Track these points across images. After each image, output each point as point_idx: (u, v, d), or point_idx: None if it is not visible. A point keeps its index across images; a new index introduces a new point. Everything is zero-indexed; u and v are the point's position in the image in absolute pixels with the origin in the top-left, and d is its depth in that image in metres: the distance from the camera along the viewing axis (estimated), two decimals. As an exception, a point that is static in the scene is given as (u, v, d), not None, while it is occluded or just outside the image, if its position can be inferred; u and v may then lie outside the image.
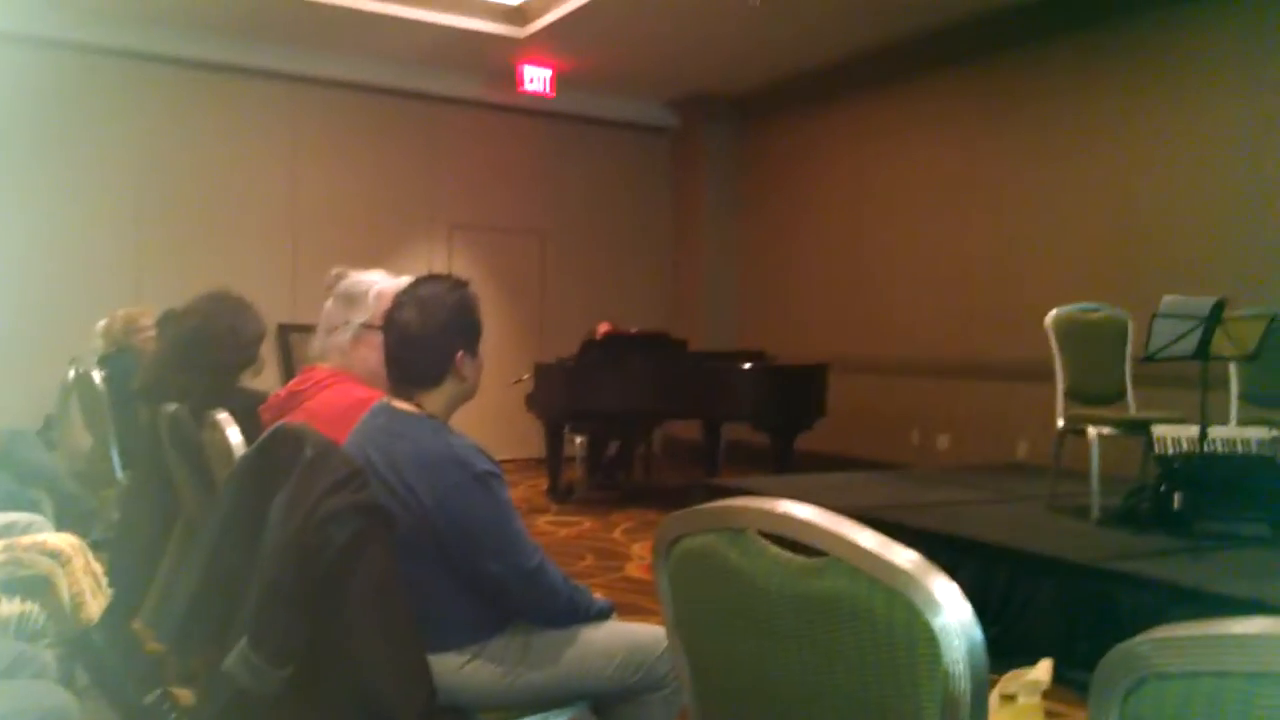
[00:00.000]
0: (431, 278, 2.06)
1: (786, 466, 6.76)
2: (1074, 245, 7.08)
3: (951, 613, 0.89)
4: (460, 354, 2.00)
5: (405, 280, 2.20)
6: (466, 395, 2.07)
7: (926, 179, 8.24)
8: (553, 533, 6.22)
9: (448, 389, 2.02)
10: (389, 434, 1.97)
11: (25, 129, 7.61)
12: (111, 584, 2.98)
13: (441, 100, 9.26)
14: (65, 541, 2.97)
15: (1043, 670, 1.73)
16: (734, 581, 1.09)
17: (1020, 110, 7.46)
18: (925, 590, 0.90)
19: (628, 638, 2.08)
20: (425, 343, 1.98)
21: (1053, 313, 4.96)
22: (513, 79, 8.88)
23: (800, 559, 1.03)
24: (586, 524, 6.52)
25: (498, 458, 2.03)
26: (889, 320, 8.53)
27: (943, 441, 8.04)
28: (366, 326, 2.41)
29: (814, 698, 1.00)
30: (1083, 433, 4.69)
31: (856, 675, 0.95)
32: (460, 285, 2.04)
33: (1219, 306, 4.02)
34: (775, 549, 1.07)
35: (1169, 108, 6.53)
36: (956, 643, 0.88)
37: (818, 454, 7.94)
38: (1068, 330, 4.94)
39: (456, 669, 1.95)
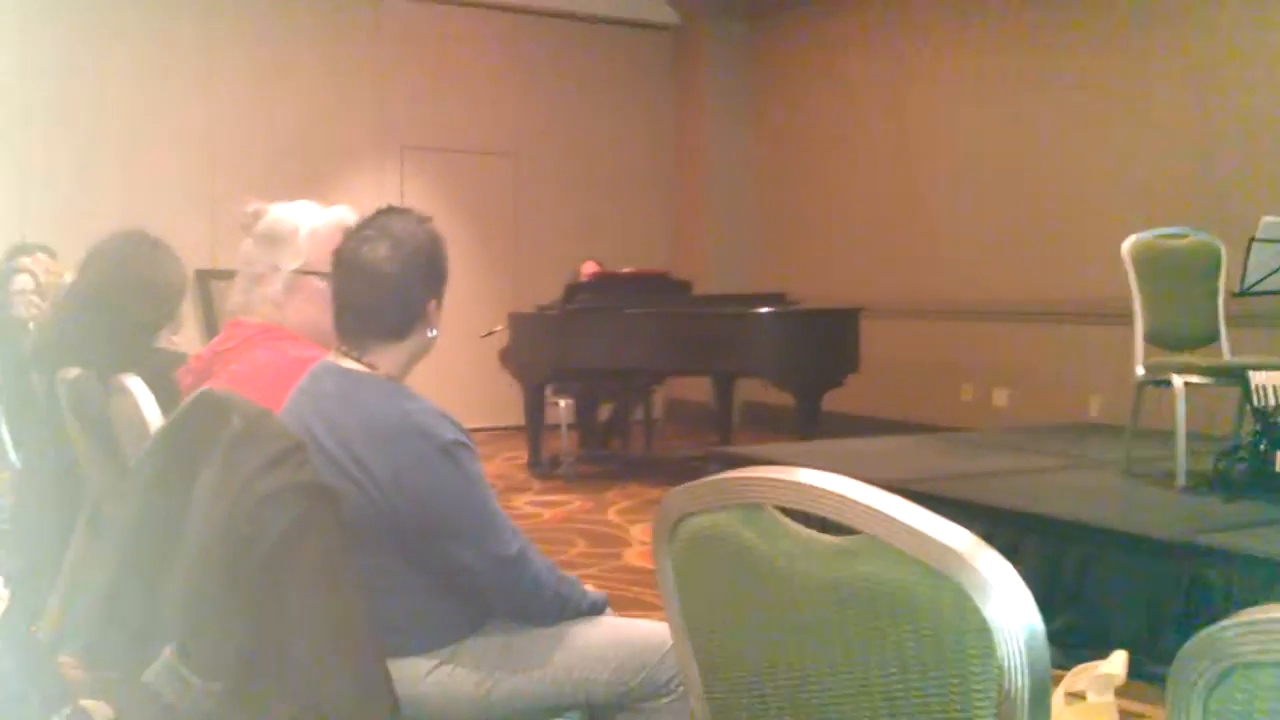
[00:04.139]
0: (395, 209, 2.06)
1: (812, 431, 6.78)
2: (1152, 160, 7.05)
3: (1007, 598, 0.90)
4: (433, 302, 2.02)
5: (340, 213, 2.20)
6: (425, 350, 2.08)
7: (976, 86, 8.18)
8: (535, 515, 6.26)
9: (410, 344, 2.03)
10: (336, 399, 1.98)
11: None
12: (6, 585, 3.00)
13: (390, -9, 9.20)
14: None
15: (1116, 663, 1.76)
16: (751, 567, 1.10)
17: (1089, 6, 7.40)
18: (977, 573, 0.91)
19: (626, 636, 2.11)
20: (398, 286, 1.99)
21: (1129, 240, 4.96)
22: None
23: (829, 539, 1.04)
24: (575, 503, 6.56)
25: (467, 426, 2.04)
26: (934, 255, 8.52)
27: (1000, 397, 8.07)
28: (303, 272, 2.40)
29: (847, 700, 1.02)
30: (1167, 383, 4.71)
31: (896, 672, 0.96)
32: (425, 220, 2.05)
33: (1330, 229, 4.03)
34: (799, 528, 1.08)
35: (1250, 6, 6.49)
36: (1013, 633, 0.90)
37: (850, 416, 7.97)
38: (1148, 261, 4.94)
39: (424, 676, 1.97)
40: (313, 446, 1.87)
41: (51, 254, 5.03)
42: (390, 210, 2.05)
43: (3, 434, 4.13)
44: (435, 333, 2.06)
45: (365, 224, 2.03)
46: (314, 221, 2.43)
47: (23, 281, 4.68)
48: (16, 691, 2.55)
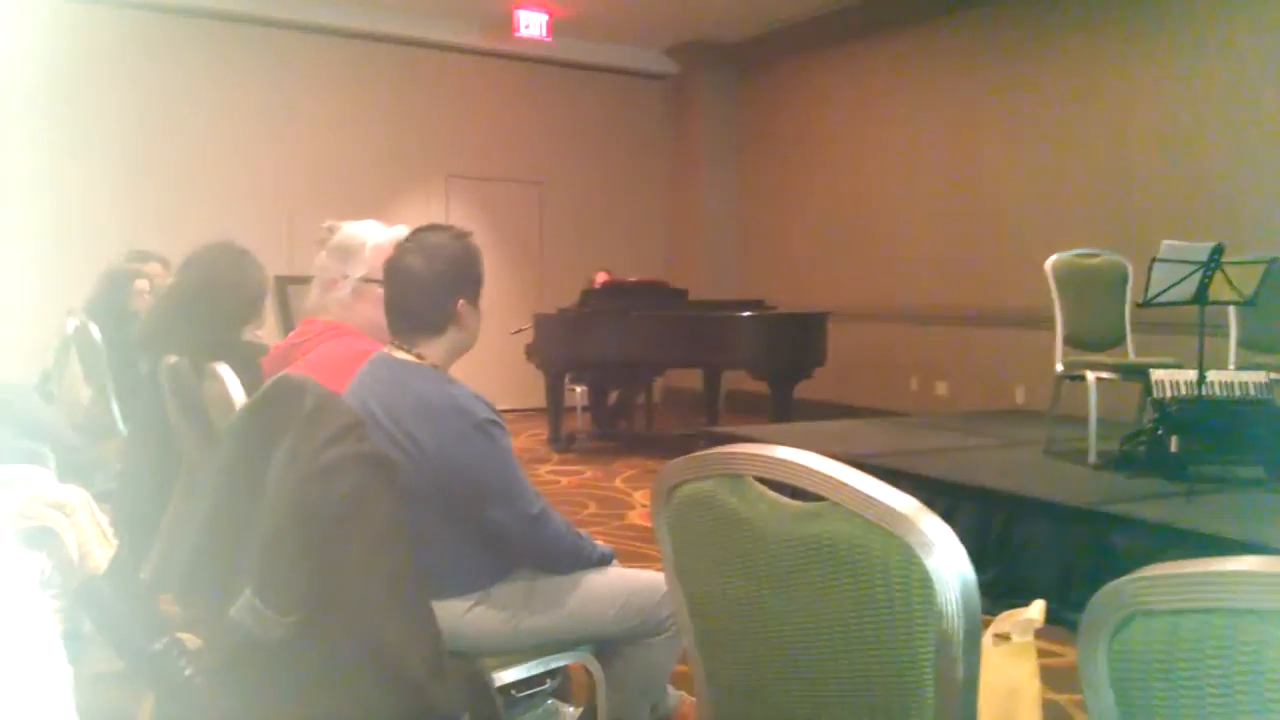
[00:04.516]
0: (434, 227, 2.05)
1: (786, 415, 6.79)
2: (1073, 191, 7.04)
3: (945, 554, 0.91)
4: (462, 301, 2.00)
5: (399, 231, 2.20)
6: (466, 345, 2.07)
7: (924, 125, 8.17)
8: (555, 481, 6.26)
9: (449, 338, 2.02)
10: (390, 384, 1.98)
11: (23, 81, 7.53)
12: (116, 535, 3.01)
13: (437, 47, 9.16)
14: (70, 493, 3.00)
15: (1036, 610, 1.76)
16: (733, 526, 1.11)
17: (1018, 56, 7.38)
18: (920, 532, 0.92)
19: (629, 583, 2.11)
20: (429, 288, 1.98)
21: (1052, 258, 4.95)
22: (509, 24, 8.77)
23: (798, 504, 1.04)
24: (588, 473, 6.56)
25: (498, 408, 2.04)
26: (888, 268, 8.50)
27: (941, 388, 8.06)
28: (365, 280, 2.40)
29: (811, 637, 1.02)
30: (1081, 378, 4.70)
31: (853, 615, 0.97)
32: (463, 235, 2.04)
33: (1218, 251, 4.02)
34: (773, 495, 1.08)
35: (1167, 51, 6.46)
36: (950, 583, 0.90)
37: (818, 402, 7.97)
38: (1067, 276, 4.94)
39: (461, 614, 1.98)
40: (371, 423, 1.87)
41: (165, 263, 5.05)
42: (429, 227, 2.05)
43: (114, 409, 4.14)
44: (472, 332, 2.05)
45: (408, 239, 2.03)
46: (377, 237, 2.42)
47: (142, 284, 4.71)
48: (124, 625, 2.55)
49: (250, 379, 2.20)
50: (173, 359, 2.58)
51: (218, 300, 2.79)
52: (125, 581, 2.69)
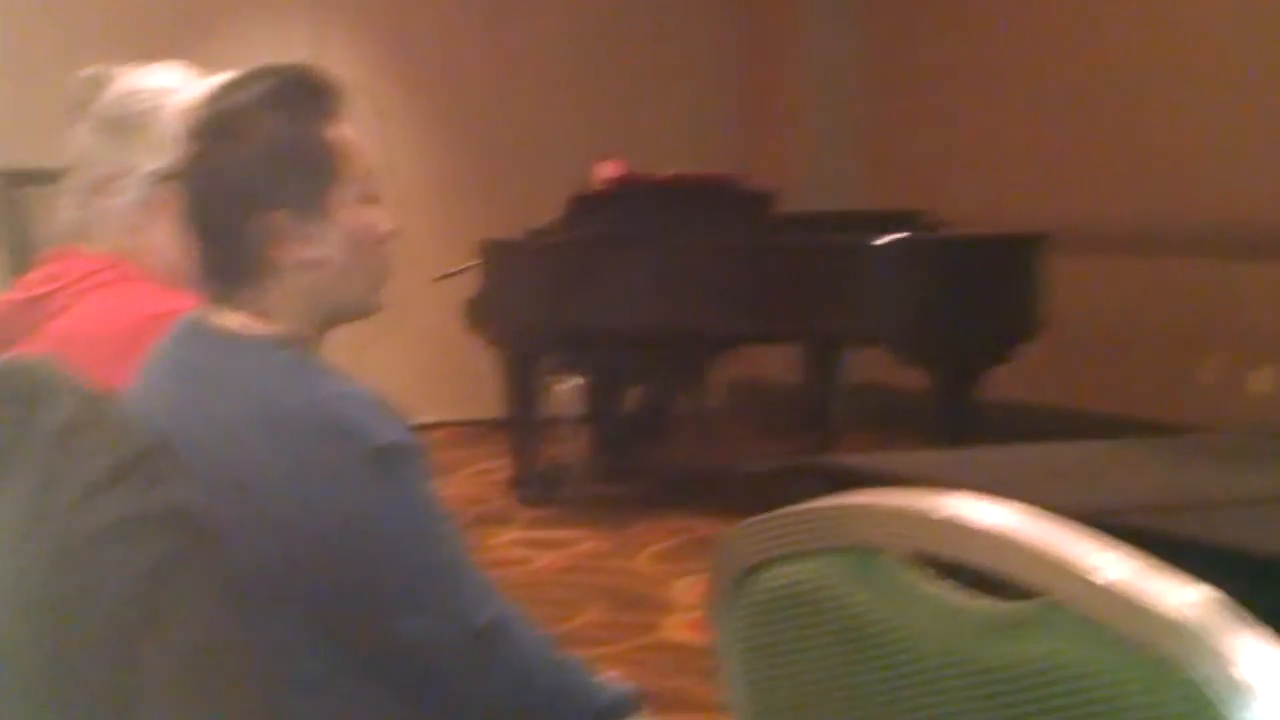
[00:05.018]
0: (248, 74, 2.05)
1: (964, 430, 6.77)
2: None
3: (1274, 703, 0.89)
4: (280, 214, 1.98)
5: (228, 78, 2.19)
6: (337, 297, 2.05)
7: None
8: (524, 560, 6.32)
9: (280, 290, 2.01)
10: (206, 376, 1.97)
11: None
12: None
13: None
14: None
15: None
16: (860, 645, 1.12)
17: None
18: (1225, 661, 0.90)
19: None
20: (213, 203, 2.00)
21: None
22: None
23: (985, 604, 1.04)
24: (587, 543, 6.62)
25: (418, 421, 2.03)
26: (1153, 156, 8.46)
27: (1262, 380, 8.01)
28: (164, 177, 2.41)
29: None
30: None
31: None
32: (257, 80, 2.03)
33: None
34: (938, 586, 1.09)
35: None
36: (1284, 760, 0.89)
37: (1022, 406, 7.95)
38: None
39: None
40: (177, 452, 1.86)
41: None
42: (237, 78, 2.07)
43: None
44: (334, 268, 2.03)
45: (198, 107, 2.06)
46: (186, 98, 2.43)
47: None
48: None
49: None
50: None
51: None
52: None
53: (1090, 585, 0.96)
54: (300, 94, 2.01)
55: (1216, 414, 7.89)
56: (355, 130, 2.03)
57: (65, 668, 1.69)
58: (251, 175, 1.97)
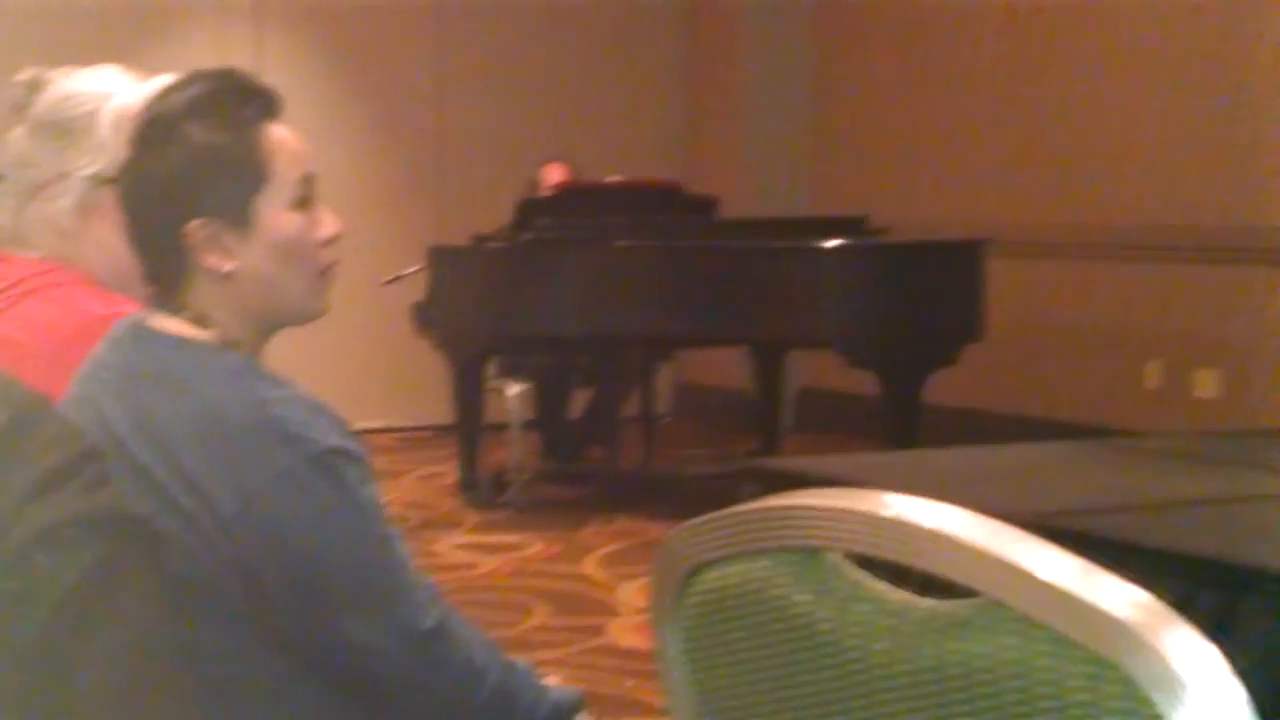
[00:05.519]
0: (182, 80, 2.05)
1: (907, 435, 6.80)
2: None
3: (1206, 700, 0.91)
4: (195, 224, 1.97)
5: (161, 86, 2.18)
6: (270, 304, 2.05)
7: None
8: (469, 565, 6.33)
9: (209, 295, 2.01)
10: (146, 380, 1.95)
11: None
12: None
13: None
14: None
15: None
16: (803, 644, 1.13)
17: None
18: (1159, 658, 0.92)
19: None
20: (144, 209, 2.01)
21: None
22: None
23: (927, 603, 1.05)
24: (534, 547, 6.64)
25: (361, 426, 2.03)
26: (1096, 164, 8.53)
27: (1204, 383, 8.07)
28: (100, 180, 2.39)
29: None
30: None
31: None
32: (189, 85, 2.03)
33: None
34: (880, 585, 1.09)
35: None
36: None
37: (965, 410, 7.99)
38: None
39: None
40: (116, 456, 1.85)
41: None
42: (171, 84, 2.07)
43: None
44: (259, 276, 2.02)
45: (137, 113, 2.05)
46: (124, 102, 2.41)
47: None
48: None
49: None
50: None
51: None
52: None
53: (1031, 584, 0.96)
54: (231, 99, 2.00)
55: (1161, 419, 7.95)
56: (290, 135, 2.01)
57: (1, 676, 1.68)
58: (179, 181, 1.97)
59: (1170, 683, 0.91)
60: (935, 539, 1.01)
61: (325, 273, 2.06)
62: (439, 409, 8.03)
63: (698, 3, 10.59)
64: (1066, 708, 0.95)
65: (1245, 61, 7.72)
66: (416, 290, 7.56)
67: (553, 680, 2.21)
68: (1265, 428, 7.15)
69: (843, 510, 1.09)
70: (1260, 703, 0.92)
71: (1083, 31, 8.52)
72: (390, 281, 7.48)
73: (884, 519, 1.05)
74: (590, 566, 6.30)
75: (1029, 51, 8.77)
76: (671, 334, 7.59)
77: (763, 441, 7.54)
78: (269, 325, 2.05)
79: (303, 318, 2.06)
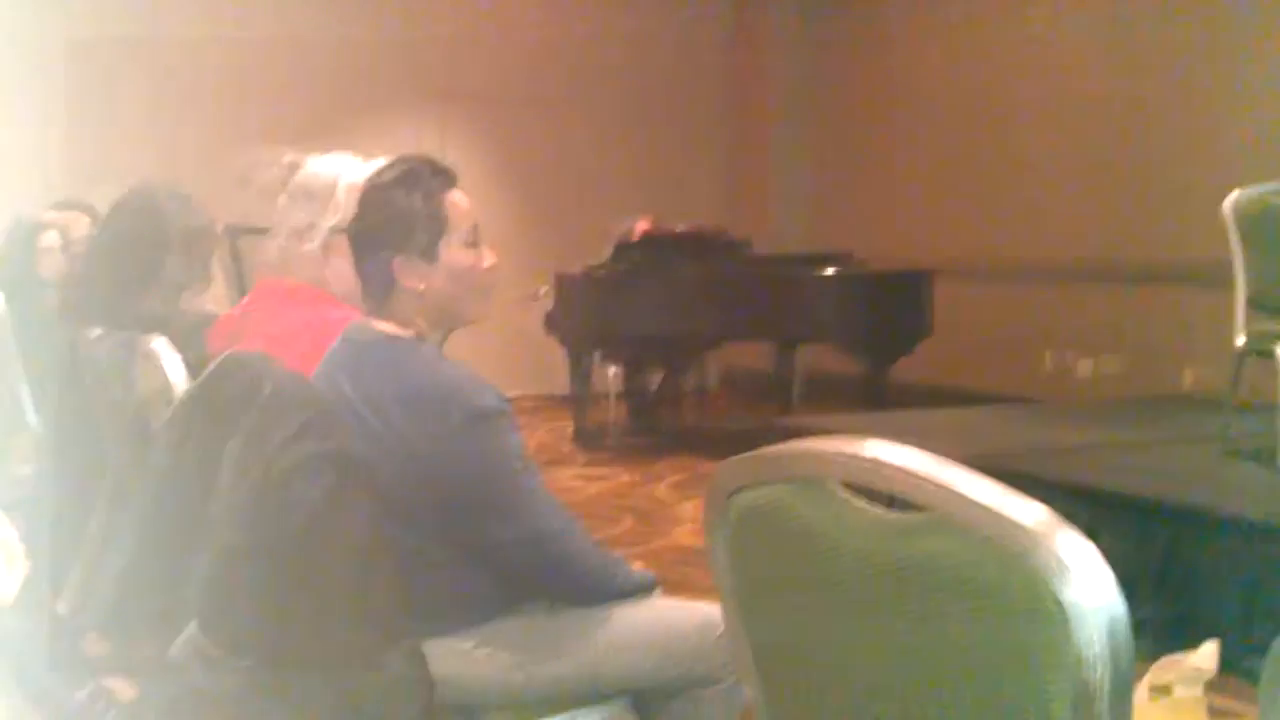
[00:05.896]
0: (391, 162, 2.10)
1: (881, 401, 6.77)
2: (1258, 105, 6.91)
3: (1087, 582, 0.90)
4: (398, 260, 2.01)
5: (379, 166, 2.21)
6: (449, 312, 2.08)
7: (1060, 31, 8.05)
8: (580, 489, 6.29)
9: (408, 306, 2.04)
10: (368, 363, 2.00)
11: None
12: (28, 554, 3.06)
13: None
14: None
15: (1206, 656, 1.74)
16: (809, 544, 1.11)
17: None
18: (1053, 553, 0.91)
19: (674, 619, 2.12)
20: (365, 248, 2.06)
21: (1233, 196, 4.86)
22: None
23: (894, 516, 1.05)
24: (623, 478, 6.59)
25: (509, 394, 2.06)
26: (1013, 211, 8.40)
27: (1084, 367, 7.97)
28: (338, 230, 2.41)
29: (910, 687, 1.02)
30: (1270, 354, 4.63)
31: (963, 659, 0.97)
32: (398, 165, 2.07)
33: None
34: (861, 504, 1.08)
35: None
36: (1093, 620, 0.90)
37: (922, 386, 7.91)
38: (1254, 219, 4.84)
39: (459, 657, 1.99)
40: (345, 412, 1.89)
41: (92, 212, 5.09)
42: (387, 164, 2.10)
43: (24, 397, 4.20)
44: (442, 294, 2.04)
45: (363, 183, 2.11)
46: (351, 176, 2.44)
47: (48, 239, 4.75)
48: (36, 667, 2.60)
49: (193, 357, 2.23)
50: (95, 331, 2.62)
51: (151, 257, 2.82)
52: (39, 613, 2.73)
53: (964, 502, 0.96)
54: (424, 174, 2.05)
55: (1055, 392, 7.87)
56: (463, 197, 2.07)
57: (267, 557, 1.71)
58: (389, 230, 2.03)
59: (1061, 569, 0.90)
60: (900, 471, 1.01)
61: (487, 291, 2.11)
62: (561, 383, 8.04)
63: (737, 101, 10.45)
64: (989, 589, 0.94)
65: (1131, 125, 7.55)
66: (547, 304, 7.59)
67: (637, 566, 2.20)
68: (1123, 398, 7.05)
69: (836, 452, 1.09)
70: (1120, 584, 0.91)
71: (1003, 121, 8.35)
72: (530, 298, 7.50)
73: (865, 457, 1.05)
74: (661, 491, 6.28)
75: (977, 125, 8.61)
76: (717, 333, 7.57)
77: (781, 407, 7.48)
78: (449, 325, 2.11)
79: (471, 321, 2.11)
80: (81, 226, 4.94)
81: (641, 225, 8.01)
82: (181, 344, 2.26)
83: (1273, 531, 3.76)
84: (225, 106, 8.66)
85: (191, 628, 1.74)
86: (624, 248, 7.50)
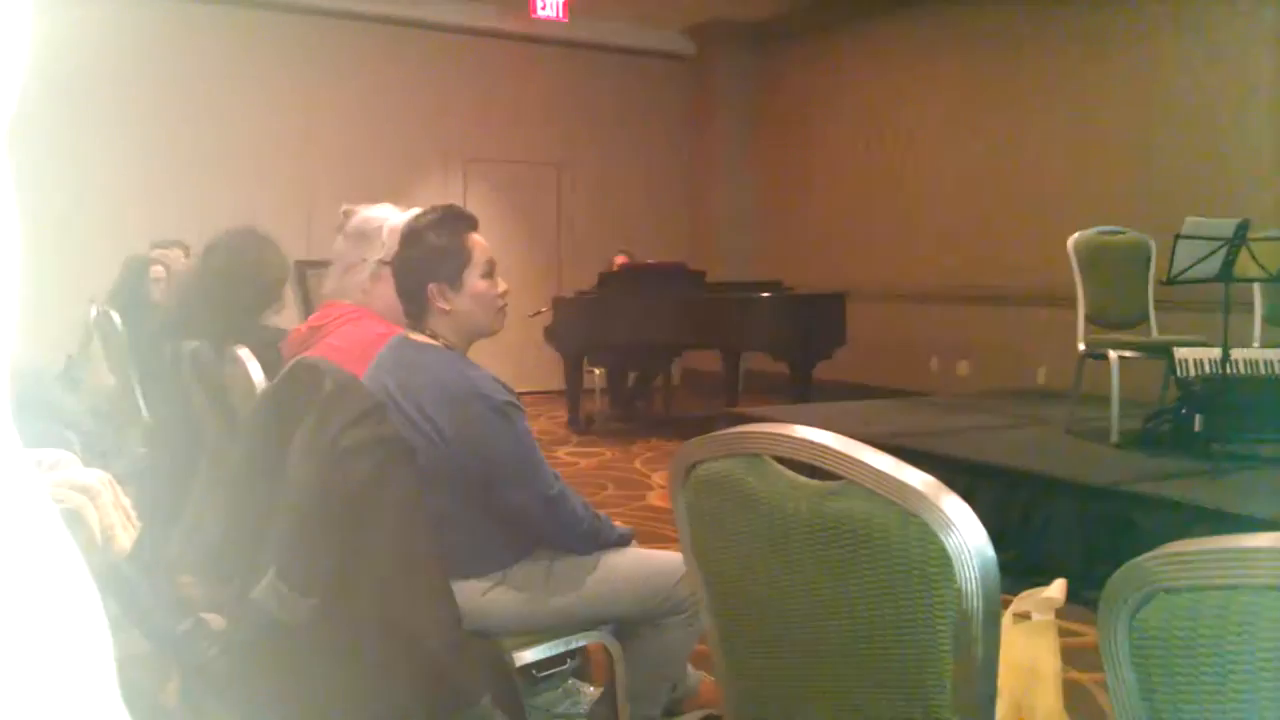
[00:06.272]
0: (425, 211, 2.09)
1: (805, 395, 6.78)
2: (1095, 167, 6.96)
3: (964, 532, 0.91)
4: (432, 286, 2.00)
5: (414, 214, 2.21)
6: (474, 327, 2.07)
7: (945, 103, 8.10)
8: (574, 463, 6.29)
9: (440, 322, 2.03)
10: (408, 366, 1.99)
11: (46, 69, 7.54)
12: (140, 518, 3.04)
13: (455, 30, 9.15)
14: (94, 476, 3.04)
15: (1057, 589, 1.75)
16: (751, 505, 1.11)
17: (1040, 32, 7.30)
18: (938, 510, 0.91)
19: (648, 564, 2.12)
20: (399, 275, 2.05)
21: (1075, 236, 4.90)
22: (526, 5, 8.75)
23: (816, 483, 1.04)
24: (607, 454, 6.59)
25: (518, 390, 2.05)
26: (908, 247, 8.46)
27: (962, 368, 8.02)
28: (382, 263, 2.41)
29: (830, 616, 1.03)
30: (1104, 356, 4.66)
31: (871, 594, 0.97)
32: (431, 213, 2.06)
33: (1243, 227, 3.96)
34: (791, 474, 1.08)
35: (1191, 22, 6.38)
36: (970, 562, 0.90)
37: (838, 383, 7.94)
38: (1089, 254, 4.89)
39: (481, 595, 1.99)
40: (391, 406, 1.89)
41: (187, 249, 5.07)
42: (423, 212, 2.09)
43: (138, 395, 4.18)
44: (465, 314, 2.03)
45: (403, 227, 2.10)
46: (394, 221, 2.44)
47: (158, 270, 4.75)
48: (149, 606, 2.58)
49: (271, 363, 2.22)
50: (194, 344, 2.60)
51: (239, 285, 2.81)
52: (150, 564, 2.72)
53: (870, 471, 0.96)
54: (451, 219, 2.04)
55: (939, 388, 7.90)
56: (481, 238, 2.06)
57: (329, 517, 1.70)
58: (423, 263, 2.01)
59: (945, 523, 0.91)
60: (819, 448, 1.01)
61: (501, 311, 2.09)
62: (558, 382, 8.01)
63: (695, 166, 10.44)
64: (891, 543, 0.94)
65: (986, 197, 7.61)
66: (547, 320, 7.56)
67: (618, 523, 2.20)
68: (992, 390, 7.09)
69: (772, 433, 1.09)
70: (989, 536, 0.92)
71: (900, 176, 8.40)
72: (534, 315, 7.48)
73: (794, 437, 1.05)
74: (637, 464, 6.27)
75: (879, 182, 8.65)
76: (679, 343, 7.56)
77: (728, 400, 7.49)
78: (472, 338, 2.09)
79: (489, 334, 2.10)
80: (179, 260, 4.92)
81: (621, 258, 8.03)
82: (261, 353, 2.25)
83: (1106, 492, 3.79)
84: (298, 172, 8.63)
85: (271, 574, 1.73)
86: (606, 276, 7.51)
